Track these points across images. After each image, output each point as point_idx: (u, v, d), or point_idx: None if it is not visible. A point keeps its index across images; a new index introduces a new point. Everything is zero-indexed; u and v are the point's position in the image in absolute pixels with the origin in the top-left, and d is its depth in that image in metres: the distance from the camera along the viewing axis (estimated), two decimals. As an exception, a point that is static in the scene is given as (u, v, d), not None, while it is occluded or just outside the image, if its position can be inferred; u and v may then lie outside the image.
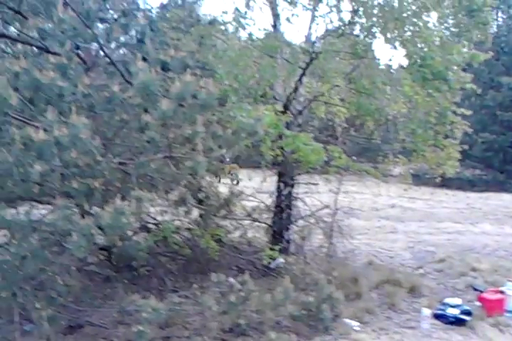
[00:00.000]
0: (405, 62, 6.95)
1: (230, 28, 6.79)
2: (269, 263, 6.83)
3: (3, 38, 6.39)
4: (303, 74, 6.58)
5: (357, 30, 6.73)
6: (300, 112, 6.98)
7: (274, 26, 7.01)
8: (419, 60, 6.59)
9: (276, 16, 7.15)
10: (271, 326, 5.21)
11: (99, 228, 4.20)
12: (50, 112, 4.06)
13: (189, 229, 6.28)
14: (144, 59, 4.70)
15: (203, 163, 4.22)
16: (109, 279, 6.53)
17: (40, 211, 6.29)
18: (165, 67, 4.68)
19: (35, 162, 4.16)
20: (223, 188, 6.94)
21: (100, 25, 5.77)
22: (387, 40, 6.43)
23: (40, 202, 6.13)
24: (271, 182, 7.53)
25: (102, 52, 5.56)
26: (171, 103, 4.06)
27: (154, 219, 6.31)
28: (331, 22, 6.90)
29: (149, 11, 7.50)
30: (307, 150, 5.90)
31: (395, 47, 6.56)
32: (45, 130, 4.15)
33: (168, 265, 7.03)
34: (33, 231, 4.74)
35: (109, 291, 6.48)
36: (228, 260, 7.28)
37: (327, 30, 7.03)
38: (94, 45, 5.64)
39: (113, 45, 5.48)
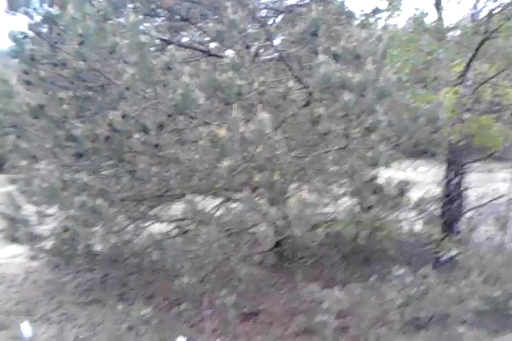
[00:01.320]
0: None
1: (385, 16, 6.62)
2: (441, 255, 6.55)
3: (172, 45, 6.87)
4: (473, 56, 6.17)
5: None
6: (470, 95, 6.57)
7: (438, 8, 6.67)
8: None
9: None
10: (455, 320, 4.99)
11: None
12: (234, 110, 4.25)
13: (358, 222, 6.24)
14: (315, 52, 4.72)
15: (384, 152, 4.15)
16: (277, 268, 6.72)
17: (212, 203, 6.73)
18: (336, 59, 4.66)
19: (220, 158, 4.40)
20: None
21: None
22: None
23: (214, 195, 6.52)
24: (437, 171, 7.21)
25: (266, 50, 5.71)
26: (352, 94, 4.04)
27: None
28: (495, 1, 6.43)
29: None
30: (488, 134, 5.54)
31: None
32: (228, 127, 4.38)
33: (332, 256, 7.06)
34: (218, 222, 5.05)
35: (278, 280, 6.68)
36: (395, 252, 7.09)
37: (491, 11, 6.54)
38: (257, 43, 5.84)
39: (278, 41, 5.63)
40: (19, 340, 5.58)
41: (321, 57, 4.11)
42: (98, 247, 7.02)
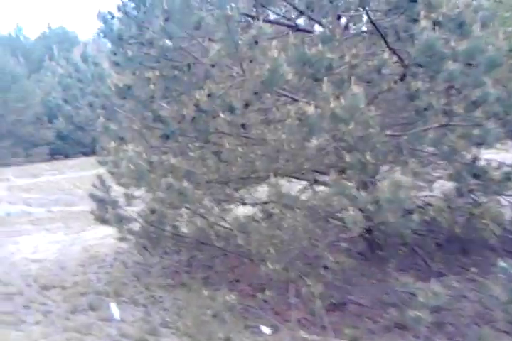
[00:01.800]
0: None
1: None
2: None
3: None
4: None
5: None
6: None
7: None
8: None
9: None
10: None
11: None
12: (325, 84, 3.96)
13: (455, 207, 5.75)
14: (413, 21, 4.30)
15: (493, 130, 3.69)
16: (367, 256, 6.36)
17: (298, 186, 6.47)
18: (438, 27, 4.21)
19: (308, 137, 4.14)
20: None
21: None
22: None
23: (298, 178, 6.25)
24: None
25: (358, 20, 5.33)
26: (457, 63, 3.62)
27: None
28: None
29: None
30: None
31: None
32: (317, 104, 4.09)
33: (427, 244, 6.59)
34: (304, 206, 4.80)
35: (368, 269, 6.32)
36: (496, 241, 6.49)
37: None
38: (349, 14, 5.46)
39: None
40: (109, 321, 5.68)
41: (423, 23, 3.71)
42: (184, 229, 7.04)
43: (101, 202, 7.02)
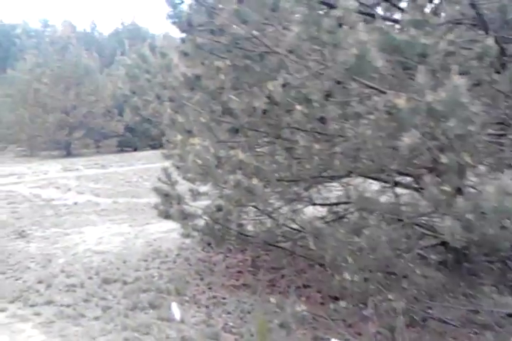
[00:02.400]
0: None
1: None
2: None
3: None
4: None
5: None
6: None
7: None
8: None
9: None
10: None
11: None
12: (420, 74, 3.44)
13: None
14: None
15: None
16: (454, 268, 5.75)
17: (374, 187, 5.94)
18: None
19: (397, 134, 3.63)
20: None
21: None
22: None
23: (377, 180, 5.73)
24: None
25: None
26: None
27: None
28: None
29: None
30: None
31: None
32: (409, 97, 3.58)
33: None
34: (385, 210, 4.30)
35: (454, 282, 5.71)
36: None
37: None
38: None
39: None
40: (168, 322, 5.42)
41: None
42: (250, 228, 6.70)
43: (166, 196, 6.77)
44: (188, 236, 7.14)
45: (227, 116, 5.41)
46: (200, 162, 5.33)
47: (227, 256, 7.84)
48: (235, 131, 5.44)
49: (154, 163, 24.91)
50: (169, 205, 6.76)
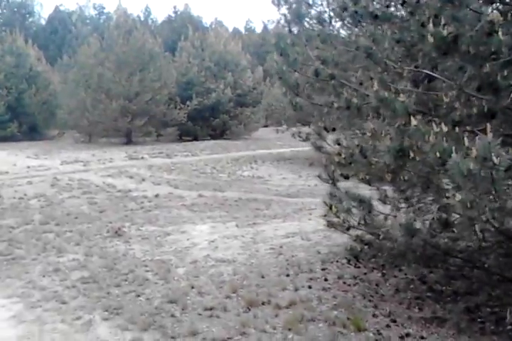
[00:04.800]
0: None
1: None
2: None
3: None
4: None
5: None
6: None
7: None
8: None
9: None
10: None
11: None
12: None
13: None
14: None
15: None
16: None
17: None
18: None
19: None
20: None
21: None
22: None
23: None
24: None
25: None
26: None
27: None
28: None
29: None
30: None
31: None
32: None
33: None
34: None
35: None
36: None
37: None
38: None
39: None
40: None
41: None
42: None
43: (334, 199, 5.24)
44: (352, 249, 5.64)
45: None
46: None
47: (383, 273, 6.25)
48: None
49: (218, 153, 23.59)
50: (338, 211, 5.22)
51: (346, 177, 5.36)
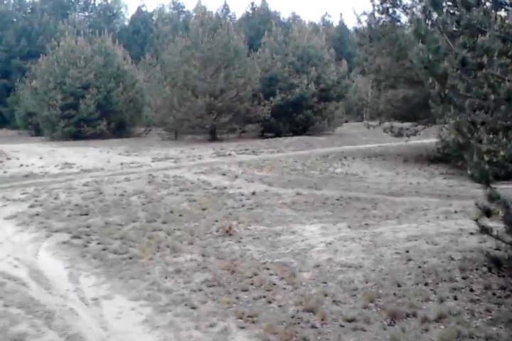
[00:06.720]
0: None
1: None
2: None
3: None
4: None
5: None
6: None
7: None
8: None
9: None
10: None
11: None
12: None
13: None
14: None
15: None
16: None
17: None
18: None
19: None
20: None
21: None
22: None
23: None
24: None
25: None
26: None
27: None
28: None
29: None
30: None
31: None
32: None
33: None
34: None
35: None
36: None
37: None
38: None
39: None
40: None
41: None
42: None
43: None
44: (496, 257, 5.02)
45: None
46: None
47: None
48: None
49: (303, 149, 23.11)
50: None
51: (506, 178, 4.77)
